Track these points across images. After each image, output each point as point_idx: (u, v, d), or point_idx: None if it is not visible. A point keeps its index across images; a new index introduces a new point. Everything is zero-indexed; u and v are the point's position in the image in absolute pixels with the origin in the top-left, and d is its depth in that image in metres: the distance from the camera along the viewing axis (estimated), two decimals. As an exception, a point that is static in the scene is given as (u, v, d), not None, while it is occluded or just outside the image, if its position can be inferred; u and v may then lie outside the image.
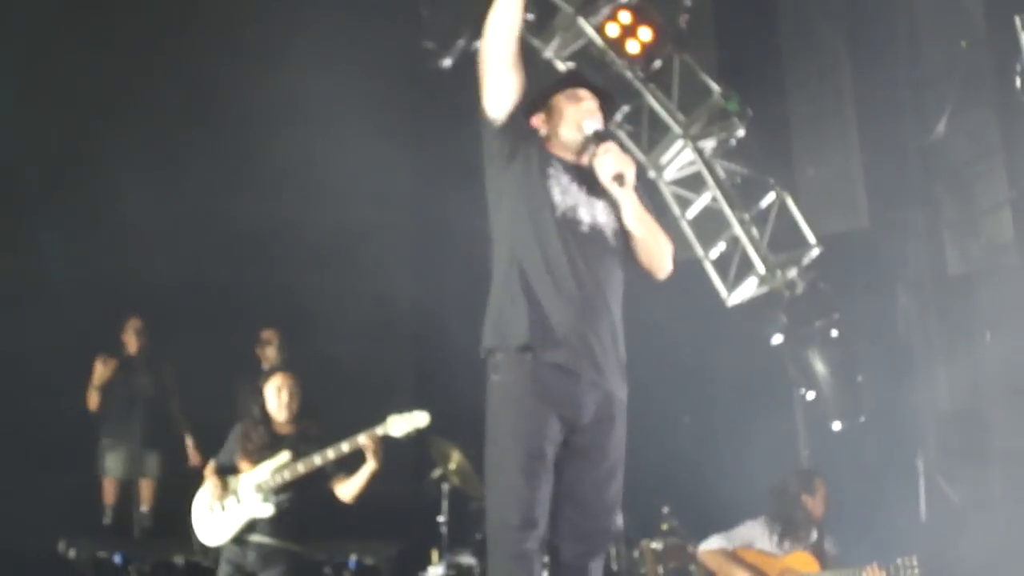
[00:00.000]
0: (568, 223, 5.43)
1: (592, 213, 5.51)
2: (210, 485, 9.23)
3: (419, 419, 8.81)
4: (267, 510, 9.04)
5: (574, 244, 5.39)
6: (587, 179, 5.60)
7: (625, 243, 5.56)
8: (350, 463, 9.09)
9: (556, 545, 5.32)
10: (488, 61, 5.47)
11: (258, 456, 9.19)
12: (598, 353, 5.32)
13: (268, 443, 9.26)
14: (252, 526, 9.08)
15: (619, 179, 5.47)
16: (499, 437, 5.32)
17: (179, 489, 11.85)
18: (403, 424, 8.84)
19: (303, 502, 9.26)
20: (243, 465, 9.25)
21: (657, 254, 5.59)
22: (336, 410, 11.25)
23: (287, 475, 9.05)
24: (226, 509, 9.15)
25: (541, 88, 5.75)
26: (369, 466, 8.99)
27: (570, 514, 5.28)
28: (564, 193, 5.50)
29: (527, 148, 5.57)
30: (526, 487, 5.16)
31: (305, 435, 9.33)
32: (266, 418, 9.38)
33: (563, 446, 5.30)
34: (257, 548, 9.05)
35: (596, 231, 5.48)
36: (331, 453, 8.92)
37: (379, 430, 8.84)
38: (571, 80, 5.97)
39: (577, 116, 5.67)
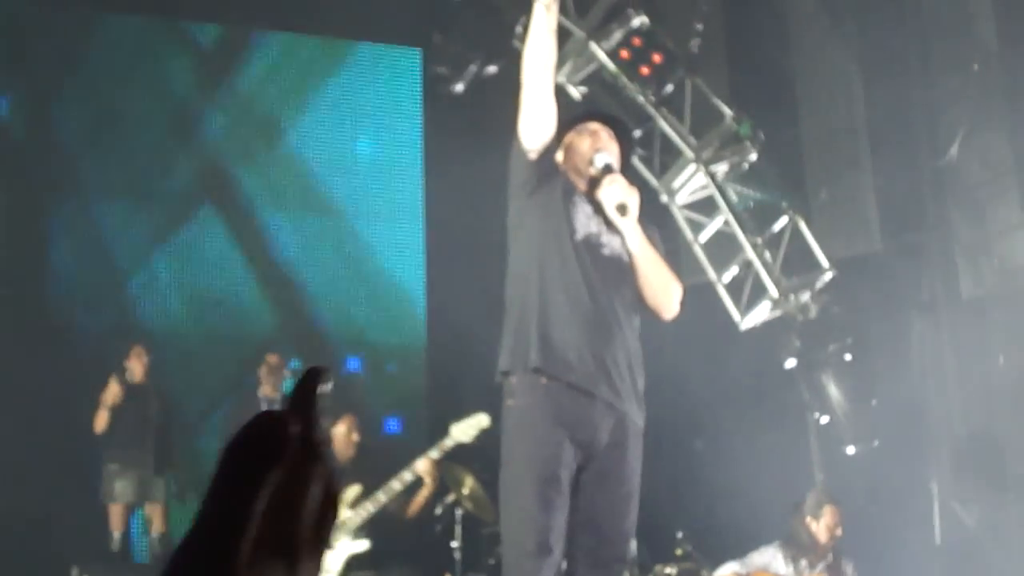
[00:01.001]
0: (590, 247, 5.43)
1: (615, 241, 5.50)
2: None
3: (481, 420, 8.88)
4: (363, 546, 9.10)
5: (593, 268, 5.38)
6: (596, 201, 5.61)
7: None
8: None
9: (572, 573, 5.29)
10: (525, 92, 5.49)
11: None
12: (613, 374, 5.30)
13: None
14: (351, 564, 9.18)
15: (622, 209, 5.47)
16: (514, 462, 5.30)
17: (187, 514, 11.92)
18: (467, 428, 8.92)
19: (383, 529, 9.38)
20: None
21: (662, 292, 5.56)
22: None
23: (371, 507, 9.13)
24: None
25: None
26: (427, 488, 9.07)
27: (586, 541, 5.25)
28: (588, 219, 5.51)
29: (553, 179, 5.57)
30: (541, 513, 5.13)
31: (362, 464, 9.44)
32: None
33: (579, 471, 5.28)
34: None
35: (617, 257, 5.47)
36: (408, 475, 9.02)
37: (447, 442, 8.92)
38: (583, 116, 5.97)
39: (589, 150, 5.68)
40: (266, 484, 1.06)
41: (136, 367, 12.02)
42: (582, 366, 5.26)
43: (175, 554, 1.08)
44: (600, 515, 5.26)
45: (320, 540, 1.09)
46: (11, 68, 13.83)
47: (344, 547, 9.19)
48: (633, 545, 5.30)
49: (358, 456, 9.64)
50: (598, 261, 5.42)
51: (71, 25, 14.06)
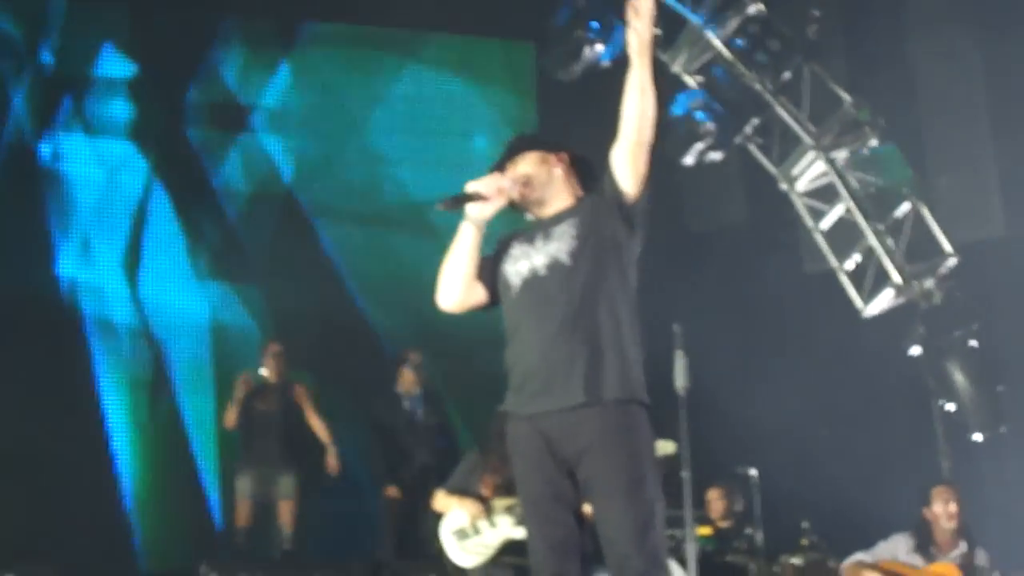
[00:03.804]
0: (527, 286, 5.48)
1: (547, 253, 5.50)
2: (468, 508, 9.47)
3: (666, 447, 8.82)
4: (522, 532, 9.21)
5: (531, 299, 5.45)
6: (540, 229, 5.63)
7: (594, 249, 5.49)
8: None
9: None
10: (442, 290, 5.65)
11: (506, 491, 9.39)
12: (574, 380, 5.30)
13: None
14: (506, 548, 9.28)
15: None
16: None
17: (313, 514, 12.07)
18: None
19: None
20: (487, 493, 9.50)
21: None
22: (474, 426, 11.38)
23: None
24: (481, 532, 9.34)
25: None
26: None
27: (606, 547, 5.29)
28: (516, 262, 5.56)
29: (495, 274, 5.69)
30: (537, 539, 5.42)
31: None
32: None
33: (579, 482, 5.36)
34: (515, 569, 9.24)
35: (554, 264, 5.45)
36: None
37: None
38: (499, 163, 5.87)
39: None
40: None
41: (270, 364, 12.15)
42: (539, 395, 5.36)
43: None
44: (607, 519, 5.28)
45: None
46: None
47: (504, 530, 9.30)
48: (653, 542, 5.23)
49: None
50: (538, 290, 5.46)
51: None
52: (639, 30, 5.48)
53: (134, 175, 13.90)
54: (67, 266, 13.46)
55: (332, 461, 12.14)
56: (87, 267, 13.57)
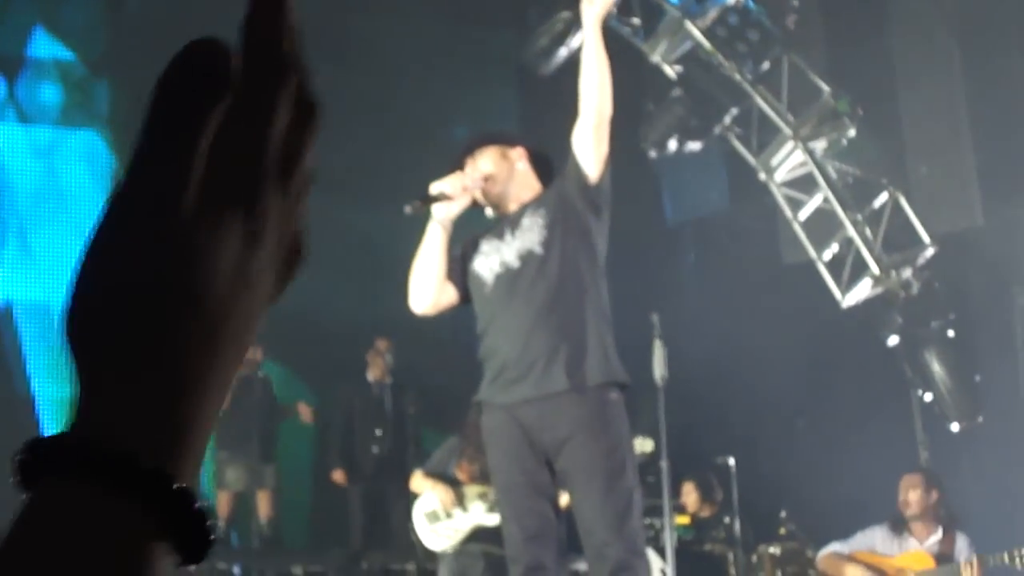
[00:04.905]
0: (501, 280, 5.56)
1: (519, 244, 5.57)
2: (440, 492, 9.45)
3: (644, 444, 8.82)
4: (494, 520, 9.20)
5: (507, 291, 5.53)
6: (507, 223, 5.71)
7: (565, 237, 5.57)
8: None
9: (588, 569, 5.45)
10: (414, 293, 5.74)
11: (482, 479, 9.40)
12: (554, 375, 5.35)
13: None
14: (476, 535, 9.28)
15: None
16: (492, 474, 5.74)
17: (293, 502, 12.06)
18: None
19: None
20: (462, 478, 9.51)
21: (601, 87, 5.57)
22: (439, 417, 11.37)
23: None
24: (452, 516, 9.36)
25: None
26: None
27: (584, 535, 5.35)
28: (487, 258, 5.64)
29: (462, 272, 5.78)
30: (511, 522, 5.49)
31: None
32: None
33: (555, 472, 5.39)
34: (484, 557, 9.24)
35: (527, 255, 5.53)
36: None
37: None
38: (457, 161, 5.95)
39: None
40: (211, 116, 0.82)
41: (249, 358, 12.12)
42: (517, 383, 5.39)
43: (104, 216, 0.81)
44: (583, 510, 5.35)
45: (292, 175, 0.89)
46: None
47: (476, 516, 9.31)
48: (631, 532, 5.27)
49: None
50: (512, 280, 5.53)
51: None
52: None
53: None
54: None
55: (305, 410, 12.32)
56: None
